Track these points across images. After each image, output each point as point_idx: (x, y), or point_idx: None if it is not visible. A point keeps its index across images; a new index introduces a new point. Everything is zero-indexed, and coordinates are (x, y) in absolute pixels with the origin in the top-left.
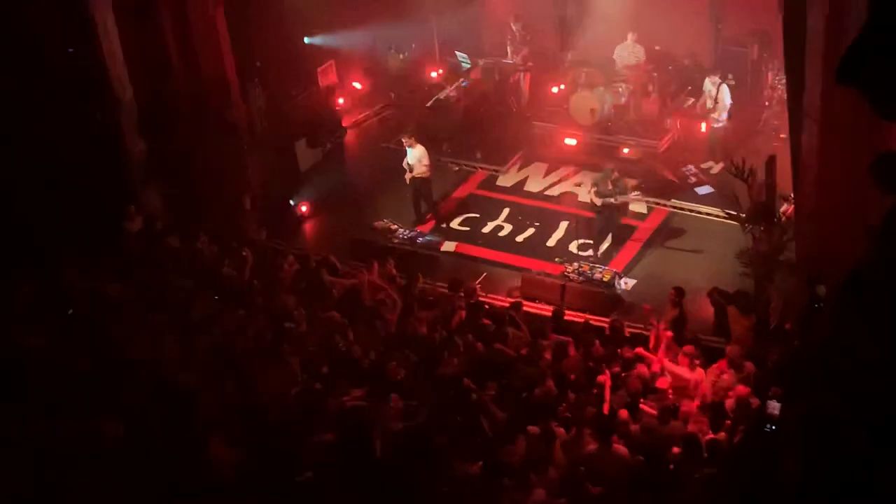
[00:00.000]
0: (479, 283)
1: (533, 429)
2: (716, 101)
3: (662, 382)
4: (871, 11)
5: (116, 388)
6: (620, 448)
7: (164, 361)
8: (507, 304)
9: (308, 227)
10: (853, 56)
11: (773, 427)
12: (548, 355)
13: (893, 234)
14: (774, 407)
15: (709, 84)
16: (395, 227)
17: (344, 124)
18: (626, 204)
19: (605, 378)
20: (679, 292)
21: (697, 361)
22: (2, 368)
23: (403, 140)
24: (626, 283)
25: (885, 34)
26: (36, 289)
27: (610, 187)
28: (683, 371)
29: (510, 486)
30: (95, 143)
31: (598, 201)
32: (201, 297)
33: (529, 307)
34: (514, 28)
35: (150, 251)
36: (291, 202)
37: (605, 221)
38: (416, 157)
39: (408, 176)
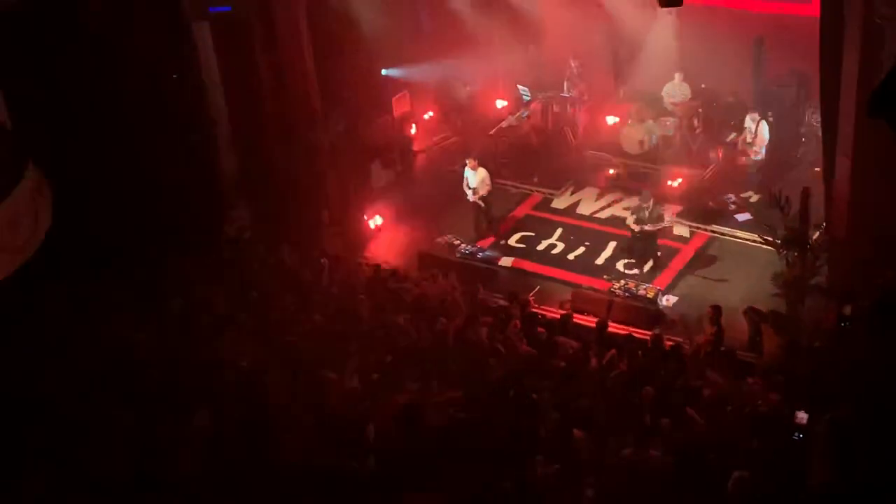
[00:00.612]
0: (532, 296)
1: (579, 433)
2: (755, 136)
3: (701, 392)
4: None
5: (206, 383)
6: (657, 454)
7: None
8: (559, 316)
9: (379, 240)
10: (883, 92)
11: (801, 436)
12: (594, 363)
13: None
14: (802, 417)
15: (749, 121)
16: (458, 242)
17: (414, 149)
18: (661, 230)
19: (648, 389)
20: (717, 310)
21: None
22: (112, 360)
23: (468, 163)
24: (668, 300)
25: None
26: (140, 289)
27: (646, 215)
28: (720, 381)
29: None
30: (193, 160)
31: (636, 227)
32: (282, 301)
33: (579, 319)
34: (572, 65)
35: (240, 258)
36: (365, 217)
37: (644, 244)
38: (479, 178)
39: (471, 196)
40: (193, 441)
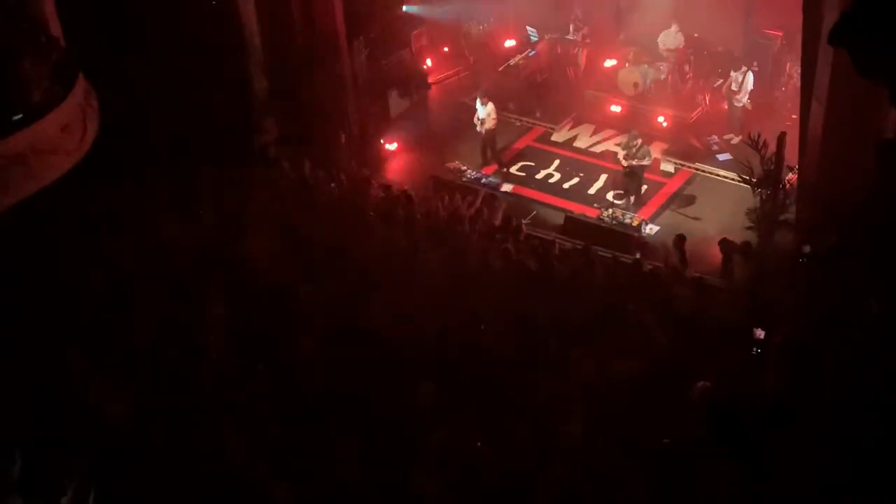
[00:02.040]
0: (529, 219)
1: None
2: (741, 84)
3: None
4: None
5: (229, 279)
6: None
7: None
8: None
9: (394, 162)
10: (843, 23)
11: (759, 350)
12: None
13: (876, 208)
14: (760, 333)
15: (736, 72)
16: (465, 168)
17: (430, 81)
18: (647, 165)
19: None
20: (680, 238)
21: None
22: (147, 250)
23: (479, 97)
24: (650, 229)
25: (870, 4)
26: (173, 192)
27: (635, 151)
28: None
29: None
30: (227, 80)
31: (626, 162)
32: (301, 213)
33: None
34: (576, 11)
35: (265, 171)
36: (382, 141)
37: (632, 178)
38: (487, 112)
39: (479, 127)
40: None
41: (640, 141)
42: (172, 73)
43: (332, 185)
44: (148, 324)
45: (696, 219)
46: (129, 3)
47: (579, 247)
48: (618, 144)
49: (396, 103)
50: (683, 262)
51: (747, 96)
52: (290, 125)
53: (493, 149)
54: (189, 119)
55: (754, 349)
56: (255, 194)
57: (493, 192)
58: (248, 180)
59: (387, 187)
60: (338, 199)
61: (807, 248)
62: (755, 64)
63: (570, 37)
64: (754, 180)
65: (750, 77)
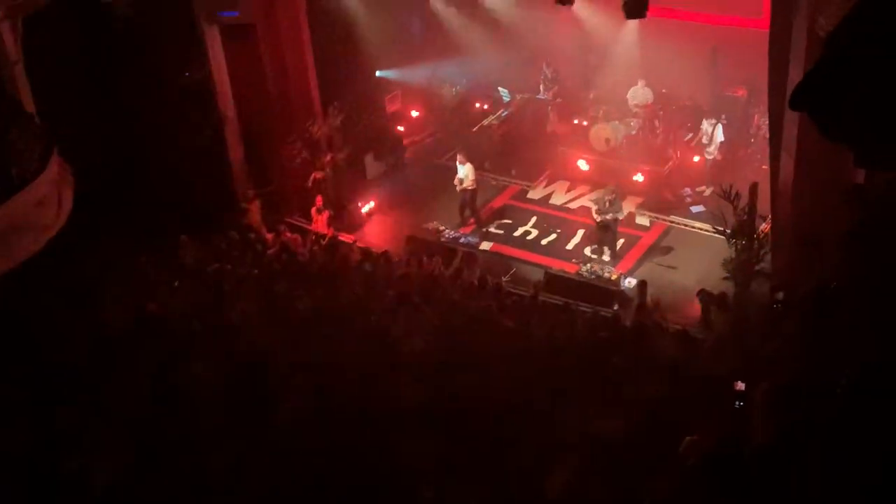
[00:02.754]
0: (509, 277)
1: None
2: (711, 137)
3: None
4: (823, 51)
5: (212, 346)
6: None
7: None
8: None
9: (372, 224)
10: (804, 86)
11: (741, 403)
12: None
13: (850, 257)
14: (741, 385)
15: (706, 124)
16: (443, 228)
17: (405, 143)
18: (621, 220)
19: (615, 360)
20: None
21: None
22: (131, 318)
23: (458, 158)
24: (629, 282)
25: (831, 69)
26: (156, 262)
27: (607, 206)
28: (674, 353)
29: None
30: (204, 148)
31: (598, 218)
32: (281, 277)
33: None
34: (545, 70)
35: (244, 237)
36: (359, 203)
37: (606, 233)
38: (465, 172)
39: (458, 187)
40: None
41: (613, 196)
42: (151, 143)
43: (311, 248)
44: (135, 389)
45: (672, 268)
46: (106, 80)
47: (560, 303)
48: (593, 200)
49: (373, 166)
50: (643, 306)
51: (717, 148)
52: (268, 191)
53: (473, 208)
54: (168, 187)
55: (737, 402)
56: (233, 260)
57: (471, 251)
58: (226, 247)
59: (365, 249)
60: (317, 262)
61: (780, 295)
62: (724, 117)
63: (540, 96)
64: (728, 231)
65: (719, 129)
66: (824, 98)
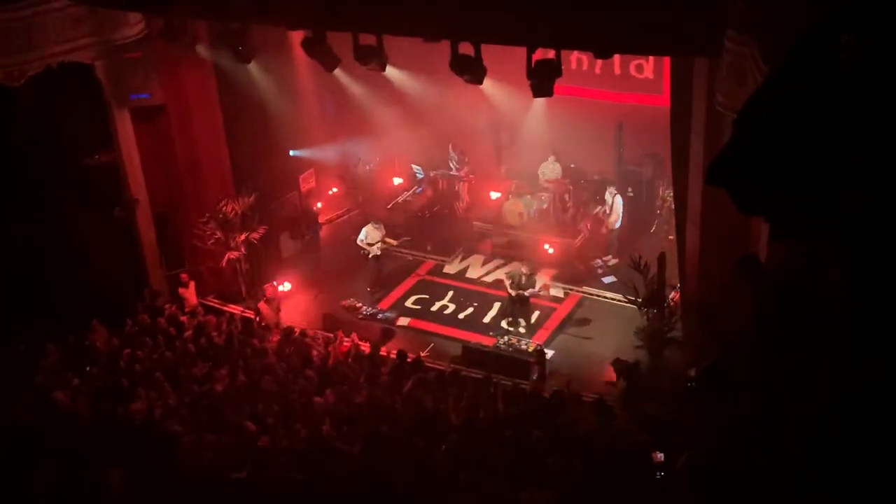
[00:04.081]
0: (427, 352)
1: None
2: (612, 207)
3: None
4: (734, 129)
5: (119, 440)
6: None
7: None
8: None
9: (288, 303)
10: (719, 162)
11: (662, 474)
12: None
13: (746, 329)
14: (660, 457)
15: (608, 195)
16: (360, 305)
17: (320, 221)
18: (534, 293)
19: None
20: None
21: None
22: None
23: (372, 223)
24: (546, 353)
25: (745, 145)
26: (65, 348)
27: (521, 280)
28: (593, 423)
29: None
30: (115, 232)
31: (513, 292)
32: (196, 363)
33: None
34: (451, 152)
35: (154, 323)
36: (274, 283)
37: (520, 306)
38: (376, 237)
39: (371, 253)
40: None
41: (528, 271)
42: (61, 229)
43: (228, 329)
44: (44, 485)
45: (587, 338)
46: (16, 158)
47: (479, 376)
48: (507, 274)
49: (288, 244)
50: (542, 378)
51: (619, 219)
52: (180, 273)
53: (380, 277)
54: (78, 271)
55: (658, 472)
56: (146, 345)
57: (389, 328)
58: (138, 331)
59: (282, 329)
60: (234, 344)
61: (692, 372)
62: (630, 190)
63: (453, 172)
64: (640, 300)
65: (619, 200)
66: (740, 174)
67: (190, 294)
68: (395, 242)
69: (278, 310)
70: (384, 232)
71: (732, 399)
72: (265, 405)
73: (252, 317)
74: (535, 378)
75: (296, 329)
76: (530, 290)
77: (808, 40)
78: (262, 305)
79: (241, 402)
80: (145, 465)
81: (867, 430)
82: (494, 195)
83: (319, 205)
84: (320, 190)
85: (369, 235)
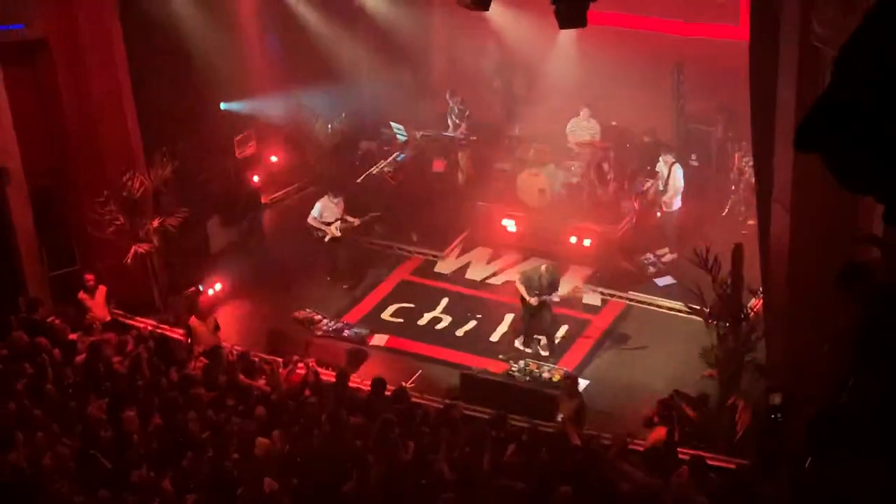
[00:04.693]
0: (412, 383)
1: None
2: (667, 182)
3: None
4: (834, 72)
5: None
6: None
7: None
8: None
9: (221, 314)
10: (814, 119)
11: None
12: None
13: (867, 359)
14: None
15: (661, 164)
16: (319, 317)
17: (263, 201)
18: (560, 300)
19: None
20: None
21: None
22: None
23: (328, 196)
24: (565, 375)
25: (850, 95)
26: None
27: (542, 285)
28: (641, 478)
29: None
30: None
31: (532, 299)
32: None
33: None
34: (450, 102)
35: (34, 343)
36: (200, 288)
37: (541, 317)
38: (333, 212)
39: (328, 236)
40: None
41: (549, 273)
42: None
43: (136, 353)
44: None
45: (633, 363)
46: None
47: (485, 416)
48: (522, 276)
49: (219, 234)
50: (576, 418)
51: (678, 198)
52: (69, 271)
53: (337, 269)
54: None
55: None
56: (22, 373)
57: (360, 348)
58: (10, 354)
59: (212, 351)
60: (144, 374)
61: (776, 399)
62: (694, 157)
63: (448, 134)
64: (707, 310)
65: (678, 171)
66: (841, 137)
67: (97, 304)
68: (357, 221)
69: (217, 328)
70: (344, 207)
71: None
72: (190, 456)
73: (172, 335)
74: (562, 419)
75: (231, 349)
76: (556, 296)
77: None
78: (194, 322)
79: (155, 452)
80: None
81: None
82: (505, 165)
83: (259, 178)
84: (263, 158)
85: (325, 212)
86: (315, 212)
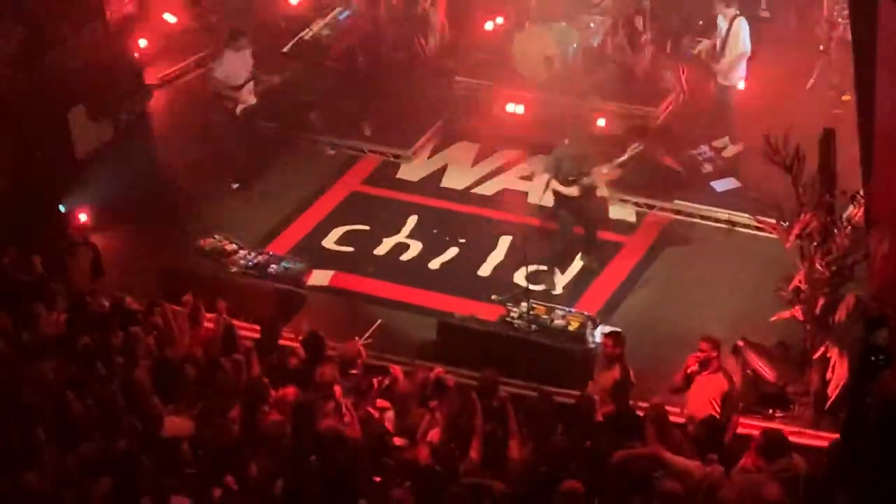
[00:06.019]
0: (368, 338)
1: None
2: (725, 43)
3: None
4: None
5: None
6: None
7: None
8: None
9: (91, 249)
10: None
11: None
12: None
13: None
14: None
15: (721, 17)
16: (234, 246)
17: (148, 81)
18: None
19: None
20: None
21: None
22: None
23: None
24: (602, 335)
25: None
26: None
27: (576, 167)
28: (689, 465)
29: None
30: None
31: (565, 189)
32: None
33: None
34: None
35: None
36: (62, 208)
37: (571, 230)
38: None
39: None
40: None
41: (584, 148)
42: None
43: None
44: None
45: (686, 303)
46: None
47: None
48: (526, 178)
49: (87, 131)
50: (627, 386)
51: (743, 66)
52: None
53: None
54: None
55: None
56: None
57: (293, 290)
58: None
59: (82, 298)
60: None
61: (882, 337)
62: (763, 5)
63: None
64: (786, 224)
65: (742, 26)
66: None
67: None
68: (277, 78)
69: (97, 263)
70: (253, 61)
71: None
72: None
73: (32, 276)
74: (592, 392)
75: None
76: (605, 167)
77: None
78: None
79: None
80: None
81: None
82: (495, 22)
83: (144, 42)
84: (147, 19)
85: (230, 70)
86: (218, 72)
